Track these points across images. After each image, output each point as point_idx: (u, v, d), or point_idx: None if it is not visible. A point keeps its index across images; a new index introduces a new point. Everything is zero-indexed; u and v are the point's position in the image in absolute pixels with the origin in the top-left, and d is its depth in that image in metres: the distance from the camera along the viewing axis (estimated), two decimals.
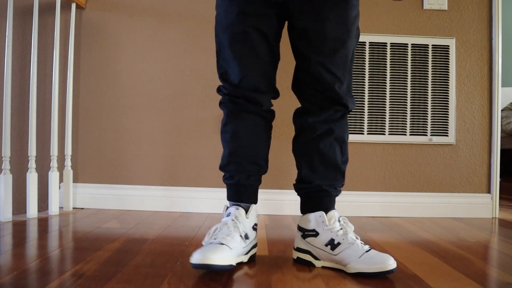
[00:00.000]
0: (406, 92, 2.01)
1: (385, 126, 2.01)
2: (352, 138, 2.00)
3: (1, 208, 1.62)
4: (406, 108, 2.01)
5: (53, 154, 1.83)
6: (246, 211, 1.14)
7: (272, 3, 1.09)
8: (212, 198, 1.97)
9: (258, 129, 1.18)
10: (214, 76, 1.18)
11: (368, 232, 1.60)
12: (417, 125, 2.02)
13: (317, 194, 1.15)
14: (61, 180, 1.95)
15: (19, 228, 1.50)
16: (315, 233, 1.12)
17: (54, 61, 1.85)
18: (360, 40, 1.99)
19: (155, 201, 1.99)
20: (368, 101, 2.00)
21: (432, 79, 2.02)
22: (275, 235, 1.52)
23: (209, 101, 1.99)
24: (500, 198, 2.65)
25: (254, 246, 1.17)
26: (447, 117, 2.02)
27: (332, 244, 1.09)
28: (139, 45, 2.01)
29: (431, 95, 2.02)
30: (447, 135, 2.03)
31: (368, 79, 2.00)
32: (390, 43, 2.01)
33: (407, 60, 2.01)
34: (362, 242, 1.10)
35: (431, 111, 2.02)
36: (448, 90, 2.02)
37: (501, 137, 3.53)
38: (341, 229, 1.11)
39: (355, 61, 2.00)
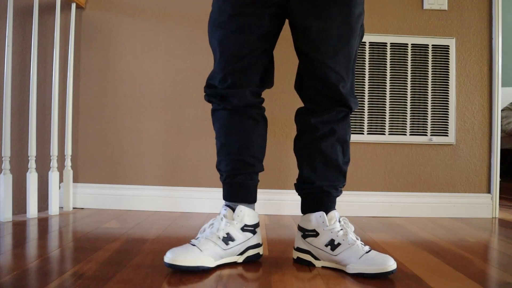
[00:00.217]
0: (406, 92, 2.01)
1: (385, 126, 2.01)
2: (352, 138, 1.99)
3: (1, 208, 1.62)
4: (406, 108, 2.01)
5: (53, 154, 1.83)
6: (234, 211, 1.13)
7: (269, 3, 1.08)
8: (212, 198, 1.97)
9: (240, 126, 1.15)
10: None
11: (368, 232, 1.60)
12: (417, 125, 2.02)
13: (318, 195, 1.15)
14: (61, 180, 1.95)
15: (19, 228, 1.50)
16: (315, 233, 1.12)
17: (54, 61, 1.85)
18: None
19: (155, 201, 1.99)
20: (368, 101, 2.00)
21: (432, 79, 2.02)
22: (275, 235, 1.52)
23: None
24: (500, 198, 2.65)
25: (253, 247, 1.15)
26: (447, 117, 2.02)
27: (332, 245, 1.09)
28: (139, 45, 2.01)
29: (431, 95, 2.02)
30: (447, 135, 2.03)
31: (368, 79, 2.00)
32: (390, 43, 2.01)
33: (407, 60, 2.01)
34: (363, 243, 1.10)
35: (431, 111, 2.02)
36: (448, 90, 2.02)
37: (501, 137, 3.53)
38: (341, 229, 1.11)
39: None
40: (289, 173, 2.00)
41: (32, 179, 1.72)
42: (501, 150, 3.37)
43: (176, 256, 1.02)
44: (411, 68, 2.01)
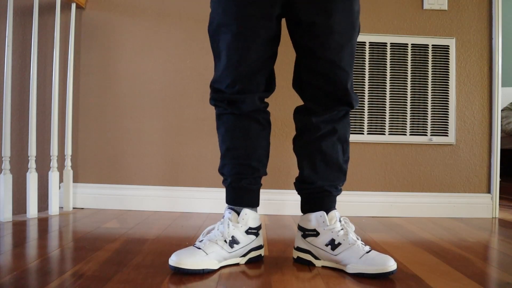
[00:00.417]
0: (406, 92, 2.01)
1: (385, 126, 2.01)
2: (352, 138, 2.00)
3: (1, 208, 1.62)
4: (406, 108, 2.01)
5: (53, 154, 1.83)
6: (239, 215, 1.14)
7: (275, 2, 1.07)
8: (212, 198, 1.97)
9: (247, 131, 1.15)
10: None
11: (368, 232, 1.60)
12: (417, 125, 2.02)
13: (318, 195, 1.15)
14: (61, 180, 1.95)
15: (19, 228, 1.50)
16: (315, 233, 1.12)
17: (54, 61, 1.85)
18: (360, 40, 1.99)
19: (155, 201, 1.99)
20: (368, 101, 2.00)
21: (432, 79, 2.02)
22: (275, 235, 1.52)
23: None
24: (500, 198, 2.65)
25: (255, 249, 1.15)
26: (447, 117, 2.02)
27: (333, 244, 1.09)
28: (139, 45, 2.01)
29: (431, 95, 2.02)
30: (447, 135, 2.03)
31: (368, 79, 2.00)
32: (390, 43, 2.01)
33: (407, 60, 2.01)
34: (363, 243, 1.09)
35: (431, 111, 2.02)
36: (448, 90, 2.02)
37: (501, 137, 3.53)
38: (342, 229, 1.11)
39: (355, 61, 1.99)
40: (289, 173, 2.00)
41: (32, 179, 1.72)
42: (501, 150, 3.37)
43: (181, 259, 1.02)
44: (411, 68, 2.01)
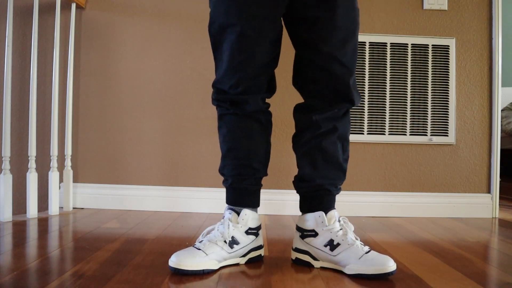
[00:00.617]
0: (406, 92, 2.01)
1: (385, 126, 2.01)
2: (352, 138, 2.00)
3: (1, 208, 1.62)
4: (406, 108, 2.01)
5: (53, 154, 1.83)
6: (239, 215, 1.13)
7: (280, 2, 1.06)
8: (212, 198, 1.97)
9: (249, 131, 1.15)
10: (214, 76, 1.18)
11: (368, 232, 1.60)
12: (417, 125, 2.02)
13: (318, 193, 1.15)
14: (61, 180, 1.95)
15: (19, 228, 1.50)
16: (314, 234, 1.12)
17: (54, 61, 1.85)
18: (360, 40, 1.99)
19: (155, 201, 1.99)
20: (368, 101, 2.00)
21: (432, 79, 2.02)
22: (275, 235, 1.52)
23: (209, 101, 1.99)
24: (500, 198, 2.65)
25: (255, 249, 1.15)
26: (447, 117, 2.02)
27: (332, 245, 1.09)
28: (139, 45, 2.01)
29: (431, 95, 2.02)
30: (447, 135, 2.03)
31: (368, 79, 2.00)
32: (390, 43, 2.01)
33: (407, 60, 2.01)
34: (362, 243, 1.09)
35: (431, 111, 2.02)
36: (448, 90, 2.02)
37: (501, 137, 3.53)
38: (341, 229, 1.10)
39: None
40: (289, 173, 2.00)
41: (32, 179, 1.72)
42: (501, 150, 3.37)
43: (181, 261, 1.01)
44: (411, 68, 2.01)
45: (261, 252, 1.18)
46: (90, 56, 2.01)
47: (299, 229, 1.16)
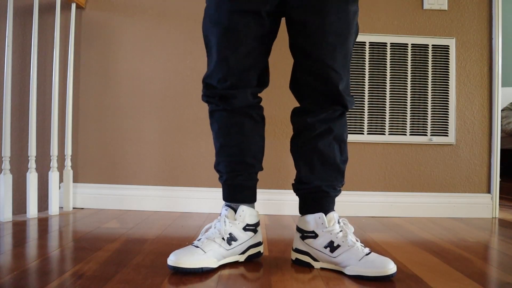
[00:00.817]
0: (406, 92, 2.01)
1: (385, 126, 2.01)
2: (352, 138, 2.00)
3: (1, 208, 1.62)
4: (406, 108, 2.01)
5: (53, 154, 1.83)
6: (236, 212, 1.14)
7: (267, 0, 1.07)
8: (212, 198, 1.97)
9: (241, 127, 1.15)
10: None
11: (368, 232, 1.60)
12: (417, 125, 2.02)
13: (316, 195, 1.15)
14: (61, 180, 1.95)
15: (19, 228, 1.50)
16: (314, 235, 1.12)
17: (54, 61, 1.85)
18: (360, 40, 1.99)
19: (155, 201, 1.99)
20: (368, 101, 2.00)
21: (432, 79, 2.02)
22: (275, 235, 1.52)
23: None
24: (500, 198, 2.65)
25: (254, 246, 1.16)
26: (447, 117, 2.02)
27: (332, 247, 1.08)
28: (139, 45, 2.01)
29: (431, 95, 2.02)
30: (447, 135, 2.03)
31: (368, 79, 2.00)
32: (390, 43, 2.01)
33: (407, 60, 2.01)
34: (362, 245, 1.09)
35: (431, 111, 2.02)
36: (448, 90, 2.02)
37: (501, 137, 3.53)
38: (340, 231, 1.10)
39: (355, 61, 2.00)
40: (289, 173, 2.00)
41: (32, 179, 1.72)
42: (501, 150, 3.37)
43: (180, 259, 1.02)
44: (411, 68, 2.01)
45: (261, 248, 1.18)
46: (90, 56, 2.01)
47: (299, 230, 1.16)
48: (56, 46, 1.86)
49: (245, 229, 1.13)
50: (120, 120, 2.01)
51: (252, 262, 1.16)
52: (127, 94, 2.01)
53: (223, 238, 1.09)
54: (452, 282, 1.01)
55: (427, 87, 2.02)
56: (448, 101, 2.02)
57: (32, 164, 1.73)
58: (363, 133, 2.01)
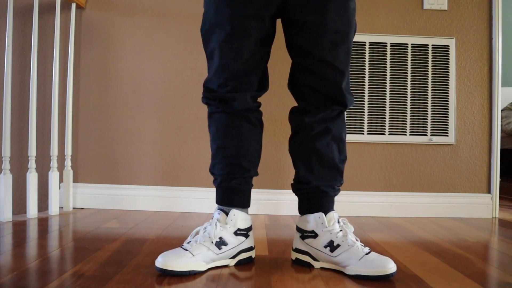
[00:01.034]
0: (406, 92, 2.01)
1: (385, 126, 2.01)
2: (352, 138, 2.00)
3: (1, 208, 1.62)
4: (406, 108, 2.01)
5: (53, 154, 1.83)
6: (228, 216, 1.12)
7: (268, 1, 1.07)
8: (212, 198, 1.97)
9: (239, 130, 1.15)
10: None
11: (368, 232, 1.60)
12: (417, 125, 2.02)
13: (315, 195, 1.14)
14: (61, 180, 1.95)
15: (19, 228, 1.50)
16: (314, 235, 1.12)
17: (54, 61, 1.85)
18: (360, 40, 1.99)
19: (155, 201, 1.99)
20: (368, 101, 2.00)
21: (432, 79, 2.02)
22: (275, 235, 1.52)
23: None
24: (500, 198, 2.65)
25: (245, 251, 1.14)
26: (447, 117, 2.02)
27: (332, 246, 1.08)
28: (139, 45, 2.01)
29: (431, 95, 2.02)
30: (447, 135, 2.03)
31: (368, 79, 2.00)
32: (390, 43, 2.01)
33: (407, 60, 2.01)
34: (362, 244, 1.09)
35: (431, 111, 2.02)
36: (448, 90, 2.02)
37: (501, 137, 3.53)
38: (340, 230, 1.10)
39: (355, 61, 2.00)
40: (289, 173, 2.00)
41: (32, 179, 1.72)
42: (501, 150, 3.37)
43: (168, 261, 1.01)
44: (411, 68, 2.01)
45: (252, 254, 1.16)
46: (90, 56, 2.01)
47: (299, 229, 1.16)
48: (56, 46, 1.86)
49: (236, 233, 1.12)
50: (120, 120, 2.01)
51: (253, 262, 1.16)
52: (127, 94, 2.01)
53: (212, 242, 1.08)
54: (452, 282, 1.01)
55: (427, 87, 2.02)
56: (448, 101, 2.02)
57: (32, 164, 1.73)
58: (363, 133, 2.01)
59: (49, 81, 1.96)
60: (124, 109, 2.01)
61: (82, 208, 1.97)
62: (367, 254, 1.05)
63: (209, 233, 1.09)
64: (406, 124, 2.01)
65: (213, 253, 1.07)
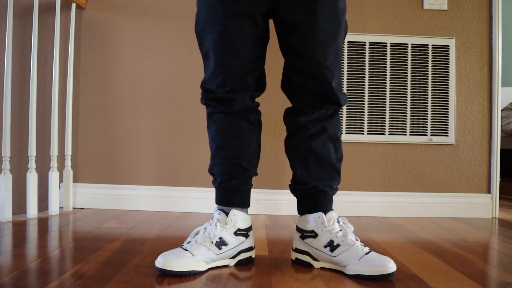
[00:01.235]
0: (406, 92, 2.01)
1: (385, 126, 2.01)
2: (352, 138, 2.00)
3: (1, 208, 1.62)
4: (406, 108, 2.01)
5: (53, 154, 1.83)
6: (228, 216, 1.12)
7: (260, 0, 1.07)
8: (212, 198, 1.97)
9: (238, 130, 1.15)
10: None
11: (368, 232, 1.60)
12: (417, 125, 2.02)
13: (314, 195, 1.14)
14: (61, 180, 1.95)
15: (19, 228, 1.50)
16: (314, 234, 1.12)
17: (54, 61, 1.85)
18: (360, 40, 1.99)
19: (155, 201, 1.99)
20: (368, 101, 2.00)
21: (432, 79, 2.02)
22: (275, 235, 1.52)
23: None
24: (500, 198, 2.65)
25: (245, 251, 1.14)
26: (447, 117, 2.02)
27: (332, 246, 1.08)
28: (139, 45, 2.01)
29: (431, 95, 2.02)
30: (447, 135, 2.03)
31: (368, 79, 2.00)
32: (390, 43, 2.01)
33: (407, 60, 2.01)
34: (362, 244, 1.09)
35: (431, 111, 2.02)
36: (448, 90, 2.02)
37: (501, 137, 3.53)
38: (340, 230, 1.10)
39: (355, 61, 2.00)
40: (289, 173, 1.98)
41: (32, 179, 1.72)
42: (501, 150, 3.37)
43: (167, 261, 1.01)
44: (411, 68, 2.01)
45: (252, 254, 1.16)
46: (90, 56, 2.01)
47: (299, 229, 1.16)
48: (56, 46, 1.86)
49: (236, 233, 1.12)
50: (120, 120, 2.01)
51: (253, 262, 1.16)
52: (127, 94, 2.01)
53: (212, 242, 1.08)
54: (452, 282, 1.01)
55: (427, 87, 2.02)
56: (448, 101, 2.02)
57: (32, 164, 1.73)
58: (363, 133, 2.01)
59: (49, 81, 1.96)
60: (124, 109, 2.01)
61: (82, 208, 1.97)
62: (367, 253, 1.05)
63: (209, 233, 1.09)
64: (406, 124, 2.01)
65: (213, 253, 1.07)
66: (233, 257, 1.12)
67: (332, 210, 1.14)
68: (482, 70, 2.05)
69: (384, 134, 2.01)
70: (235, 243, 1.11)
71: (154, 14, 2.01)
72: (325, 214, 1.12)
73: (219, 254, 1.08)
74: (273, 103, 1.99)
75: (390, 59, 2.01)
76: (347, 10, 1.15)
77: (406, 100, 2.01)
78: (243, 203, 1.16)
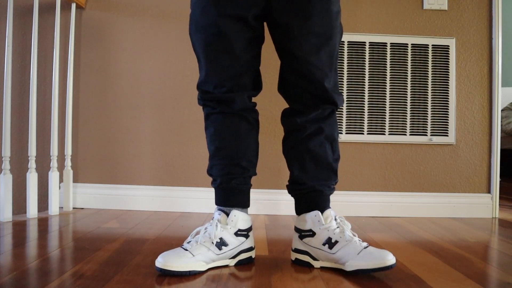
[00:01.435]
0: (406, 92, 2.01)
1: (385, 126, 2.01)
2: (352, 138, 2.00)
3: (1, 208, 1.62)
4: (406, 108, 2.01)
5: (53, 154, 1.83)
6: (228, 216, 1.12)
7: (253, 3, 1.07)
8: (212, 198, 1.97)
9: (237, 130, 1.15)
10: None
11: (368, 232, 1.60)
12: (417, 125, 2.02)
13: (311, 195, 1.15)
14: (61, 180, 1.95)
15: (19, 228, 1.50)
16: (312, 233, 1.12)
17: (54, 61, 1.85)
18: (360, 40, 1.99)
19: (155, 201, 1.99)
20: (368, 101, 2.00)
21: (432, 79, 2.02)
22: (274, 235, 1.52)
23: None
24: (500, 198, 2.65)
25: (245, 251, 1.14)
26: (447, 117, 2.02)
27: (330, 243, 1.09)
28: (139, 45, 2.01)
29: (431, 95, 2.02)
30: (447, 135, 2.03)
31: (368, 79, 2.00)
32: (390, 43, 2.01)
33: (407, 60, 2.01)
34: (360, 240, 1.09)
35: (431, 111, 2.02)
36: (448, 90, 2.02)
37: (501, 137, 3.53)
38: (337, 227, 1.11)
39: (355, 61, 2.00)
40: (288, 173, 1.99)
41: (32, 179, 1.72)
42: (501, 150, 3.37)
43: (168, 261, 1.01)
44: (411, 68, 2.01)
45: (252, 254, 1.16)
46: (90, 56, 2.01)
47: (297, 229, 1.16)
48: (56, 46, 1.86)
49: (236, 234, 1.12)
50: (120, 120, 2.01)
51: (253, 262, 1.16)
52: (127, 94, 2.01)
53: (212, 243, 1.08)
54: (452, 282, 1.01)
55: (427, 87, 2.02)
56: (448, 101, 2.02)
57: (32, 164, 1.73)
58: (363, 133, 2.01)
59: (49, 81, 1.96)
60: (124, 109, 2.01)
61: (82, 208, 1.97)
62: (365, 248, 1.05)
63: (209, 234, 1.09)
64: (406, 124, 2.01)
65: (214, 253, 1.07)
66: (233, 257, 1.12)
67: (330, 208, 1.15)
68: (482, 70, 2.05)
69: (384, 134, 2.01)
70: (236, 244, 1.11)
71: (154, 14, 2.01)
72: (322, 212, 1.12)
73: (219, 255, 1.08)
74: (272, 104, 1.99)
75: (390, 59, 2.01)
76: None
77: (406, 100, 2.01)
78: (243, 203, 1.16)
